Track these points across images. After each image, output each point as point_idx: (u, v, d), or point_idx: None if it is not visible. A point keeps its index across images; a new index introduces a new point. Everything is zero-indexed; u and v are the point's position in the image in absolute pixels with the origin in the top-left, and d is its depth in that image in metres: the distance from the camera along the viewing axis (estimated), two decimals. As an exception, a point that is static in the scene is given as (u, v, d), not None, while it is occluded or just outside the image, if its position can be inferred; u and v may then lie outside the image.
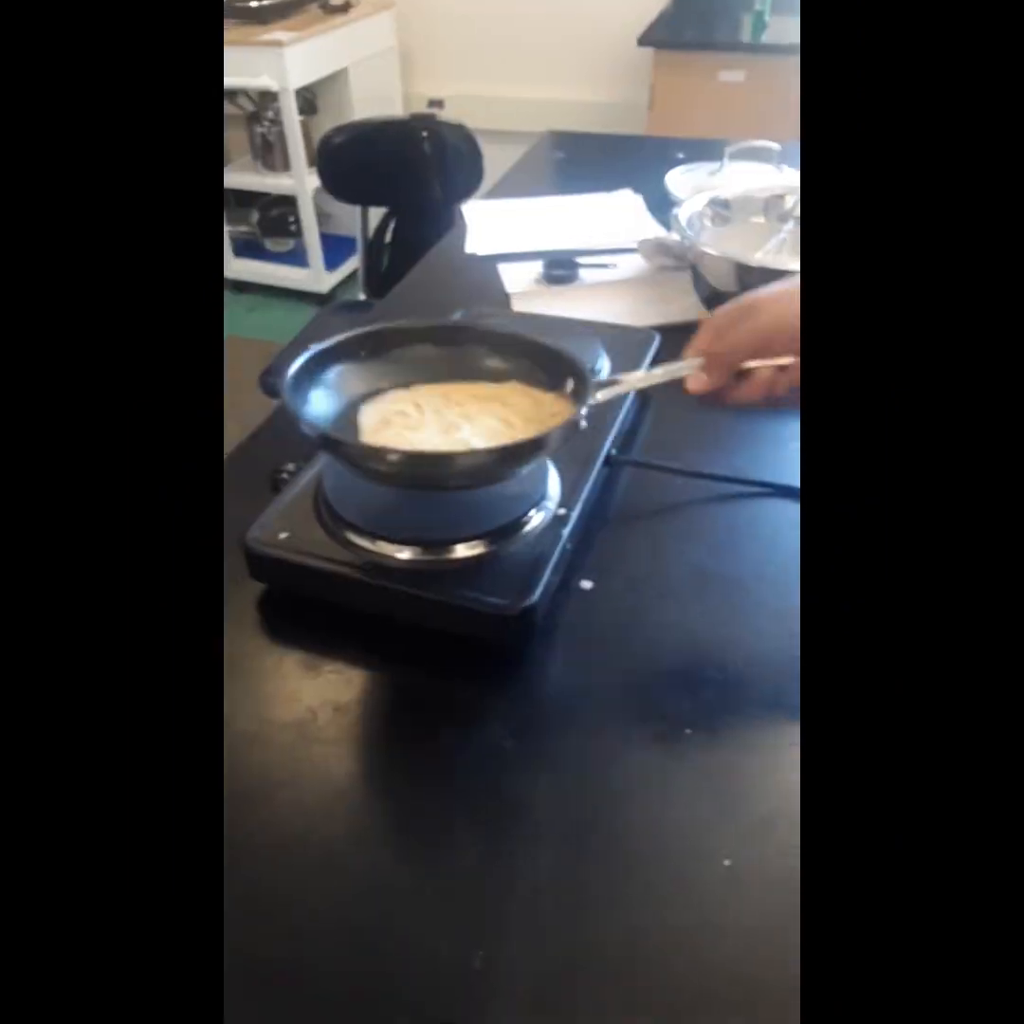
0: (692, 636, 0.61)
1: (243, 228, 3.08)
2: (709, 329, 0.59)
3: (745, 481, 0.73)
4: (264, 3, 2.62)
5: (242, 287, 3.05)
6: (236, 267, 3.02)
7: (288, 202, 2.90)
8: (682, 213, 1.00)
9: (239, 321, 2.93)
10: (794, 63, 2.10)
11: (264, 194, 2.96)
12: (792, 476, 0.73)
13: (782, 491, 0.72)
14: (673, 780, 0.51)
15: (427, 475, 0.59)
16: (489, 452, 0.57)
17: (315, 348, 0.63)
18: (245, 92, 2.81)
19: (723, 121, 2.19)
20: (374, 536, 0.60)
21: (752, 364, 0.58)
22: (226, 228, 2.93)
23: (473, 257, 1.15)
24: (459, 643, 0.58)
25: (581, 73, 2.87)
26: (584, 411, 0.57)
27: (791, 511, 0.71)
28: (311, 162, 2.76)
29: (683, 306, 0.99)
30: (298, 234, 2.94)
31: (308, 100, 2.80)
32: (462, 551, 0.60)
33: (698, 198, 1.03)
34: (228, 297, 3.04)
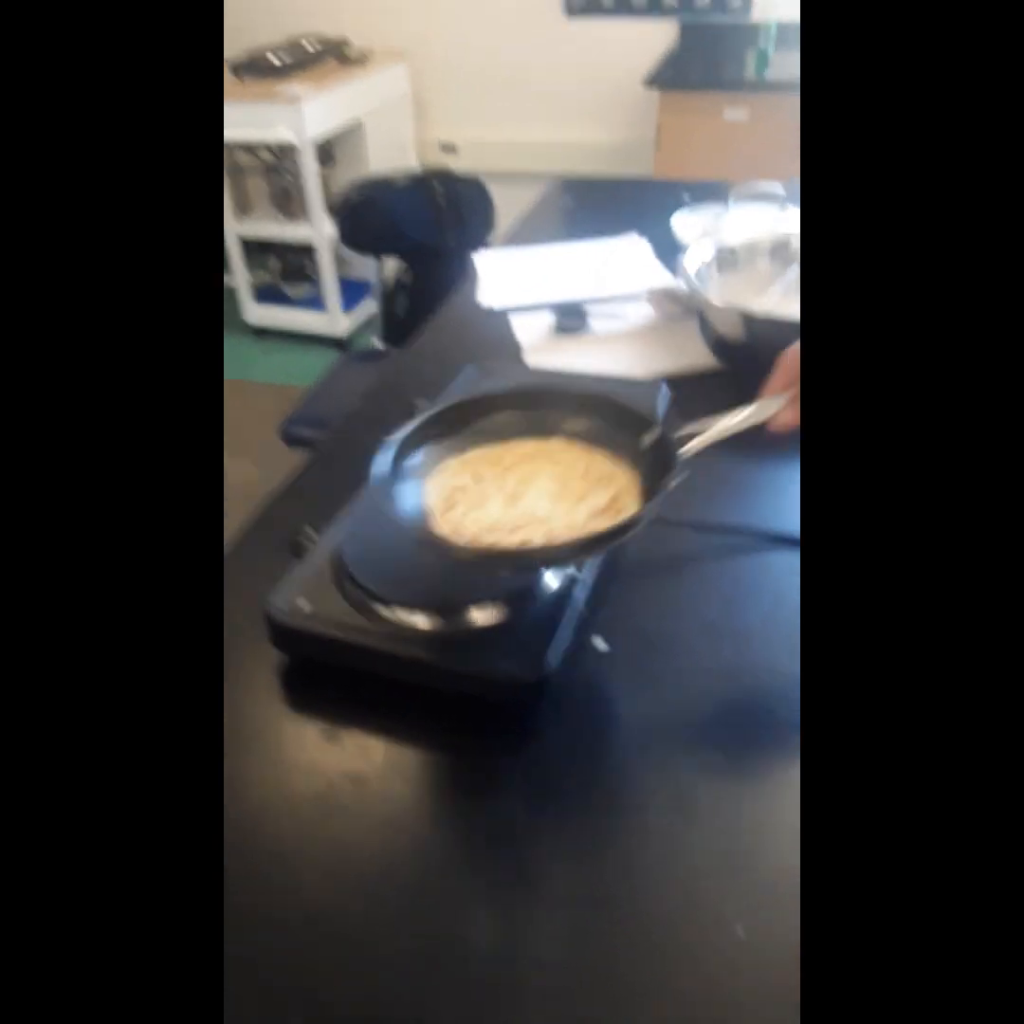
0: (705, 696, 0.61)
1: (263, 275, 3.14)
2: (785, 369, 0.59)
3: (752, 532, 0.74)
4: (281, 58, 2.70)
5: (262, 333, 3.11)
6: (256, 314, 3.08)
7: (306, 249, 2.97)
8: (688, 262, 1.02)
9: (259, 366, 2.99)
10: (795, 102, 2.13)
11: (283, 242, 3.03)
12: (791, 523, 0.74)
13: (789, 541, 0.73)
14: (686, 847, 0.51)
15: (528, 565, 0.60)
16: (589, 539, 0.54)
17: (392, 445, 0.63)
18: (265, 145, 2.89)
19: (729, 158, 2.22)
20: (392, 603, 0.62)
21: None
22: (246, 276, 2.99)
23: (486, 309, 1.17)
24: (477, 708, 0.59)
25: (589, 115, 2.92)
26: (678, 475, 0.55)
27: (793, 560, 0.72)
28: (328, 210, 2.83)
29: (692, 354, 1.01)
30: (316, 280, 3.00)
31: (325, 150, 2.87)
32: (479, 617, 0.61)
33: (704, 246, 1.05)
34: (248, 343, 3.10)
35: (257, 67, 2.70)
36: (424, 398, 0.87)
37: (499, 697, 0.58)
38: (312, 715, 0.61)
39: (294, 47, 2.78)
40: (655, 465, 0.60)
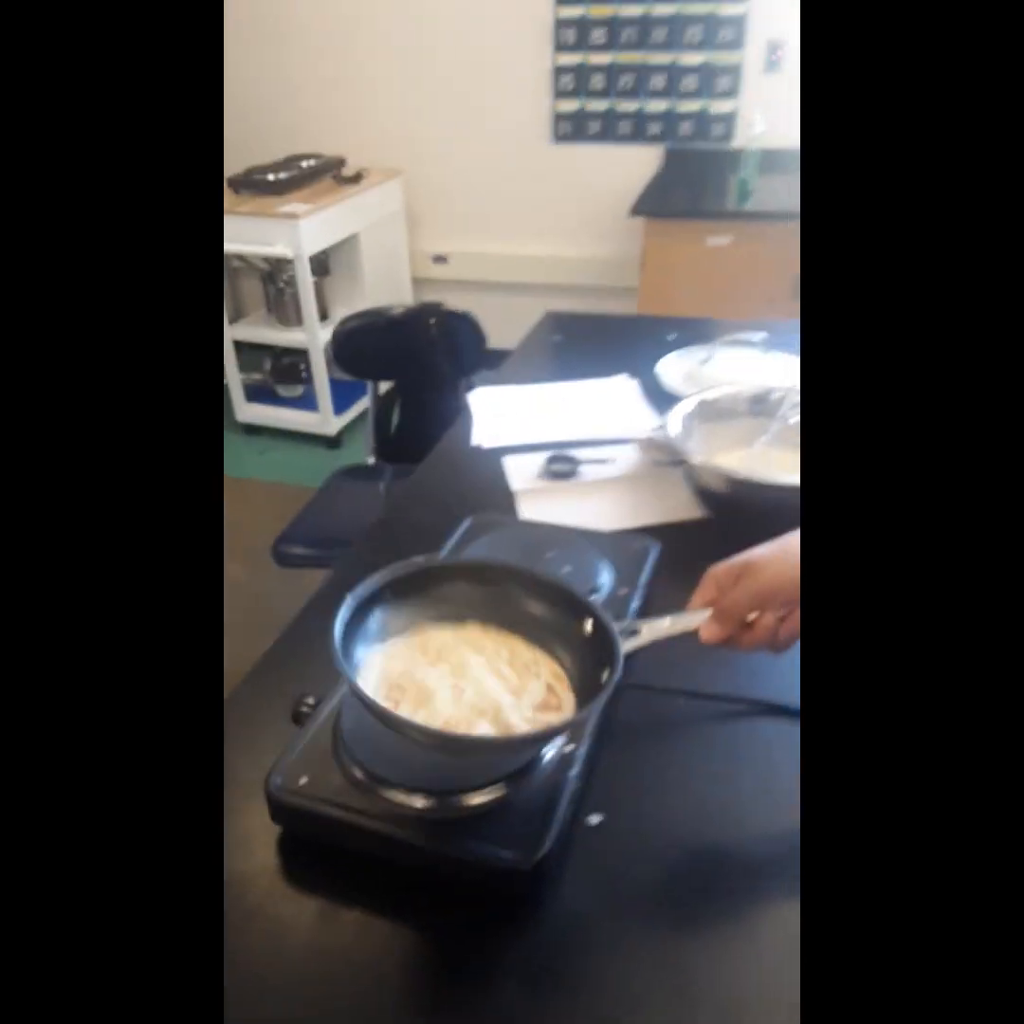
0: (698, 869, 0.63)
1: (256, 375, 3.22)
2: (711, 583, 0.66)
3: (741, 700, 0.76)
4: (279, 176, 2.82)
5: (254, 430, 3.17)
6: (248, 412, 3.14)
7: (299, 352, 3.05)
8: (673, 416, 1.07)
9: (251, 463, 3.03)
10: (777, 227, 2.26)
11: (277, 345, 3.11)
12: (783, 691, 0.76)
13: (777, 709, 0.75)
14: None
15: (474, 752, 0.63)
16: (540, 733, 0.59)
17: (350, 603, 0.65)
18: (261, 257, 3.00)
19: (712, 280, 2.33)
20: (387, 784, 0.63)
21: (753, 616, 0.64)
22: (239, 376, 3.06)
23: (479, 449, 1.22)
24: (475, 889, 0.60)
25: (576, 232, 3.06)
26: (617, 674, 0.59)
27: (785, 729, 0.74)
28: (322, 317, 2.92)
29: (678, 503, 1.05)
30: (308, 381, 3.07)
31: (321, 262, 2.97)
32: (476, 798, 0.62)
33: (688, 400, 1.10)
34: (240, 441, 3.15)
35: (256, 184, 2.82)
36: (422, 557, 0.90)
37: (497, 885, 0.60)
38: (312, 893, 0.62)
39: (292, 165, 2.92)
40: (589, 653, 0.64)
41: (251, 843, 0.65)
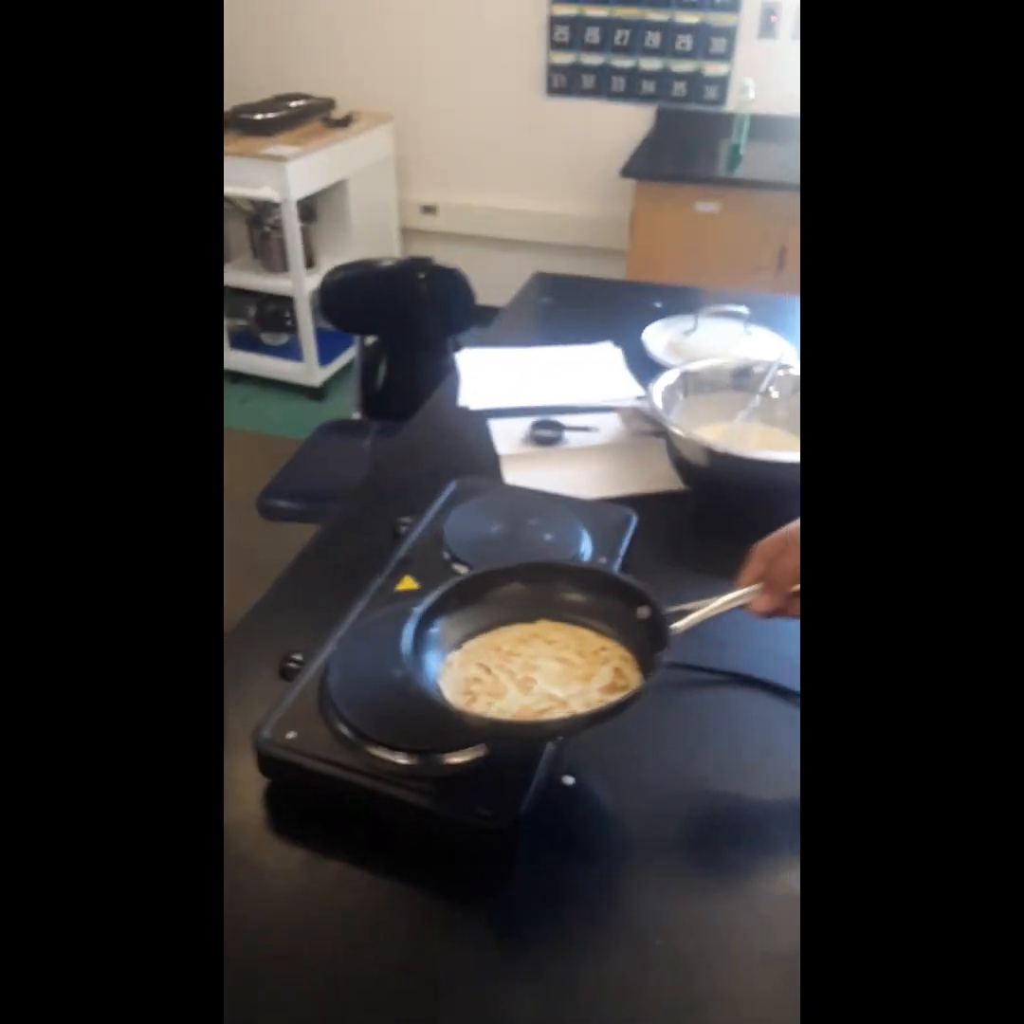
0: (665, 836, 0.67)
1: (241, 322, 3.18)
2: (760, 558, 0.68)
3: (711, 670, 0.80)
4: (268, 116, 2.76)
5: (237, 378, 3.14)
6: (232, 359, 3.11)
7: (285, 299, 3.01)
8: (656, 388, 1.09)
9: (233, 412, 3.01)
10: (765, 196, 2.25)
11: (262, 291, 3.08)
12: (753, 663, 0.80)
13: (747, 680, 0.79)
14: (645, 988, 0.57)
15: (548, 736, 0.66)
16: (606, 708, 0.61)
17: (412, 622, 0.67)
18: (248, 199, 2.94)
19: (701, 248, 2.34)
20: (374, 741, 0.66)
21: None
22: (224, 322, 3.03)
23: (466, 410, 1.23)
24: (453, 844, 0.64)
25: (567, 189, 3.03)
26: (667, 651, 0.62)
27: (755, 698, 0.78)
28: (308, 264, 2.89)
29: (659, 475, 1.08)
30: (294, 329, 3.05)
31: (308, 207, 2.93)
32: (457, 757, 0.66)
33: (671, 373, 1.12)
34: (223, 387, 3.14)
35: (242, 124, 2.76)
36: (408, 517, 0.92)
37: (474, 842, 0.63)
38: (297, 844, 0.66)
39: (281, 106, 2.86)
40: (646, 637, 0.67)
41: (239, 791, 0.68)
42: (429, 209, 3.19)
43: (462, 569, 0.84)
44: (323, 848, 0.65)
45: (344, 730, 0.67)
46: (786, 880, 0.63)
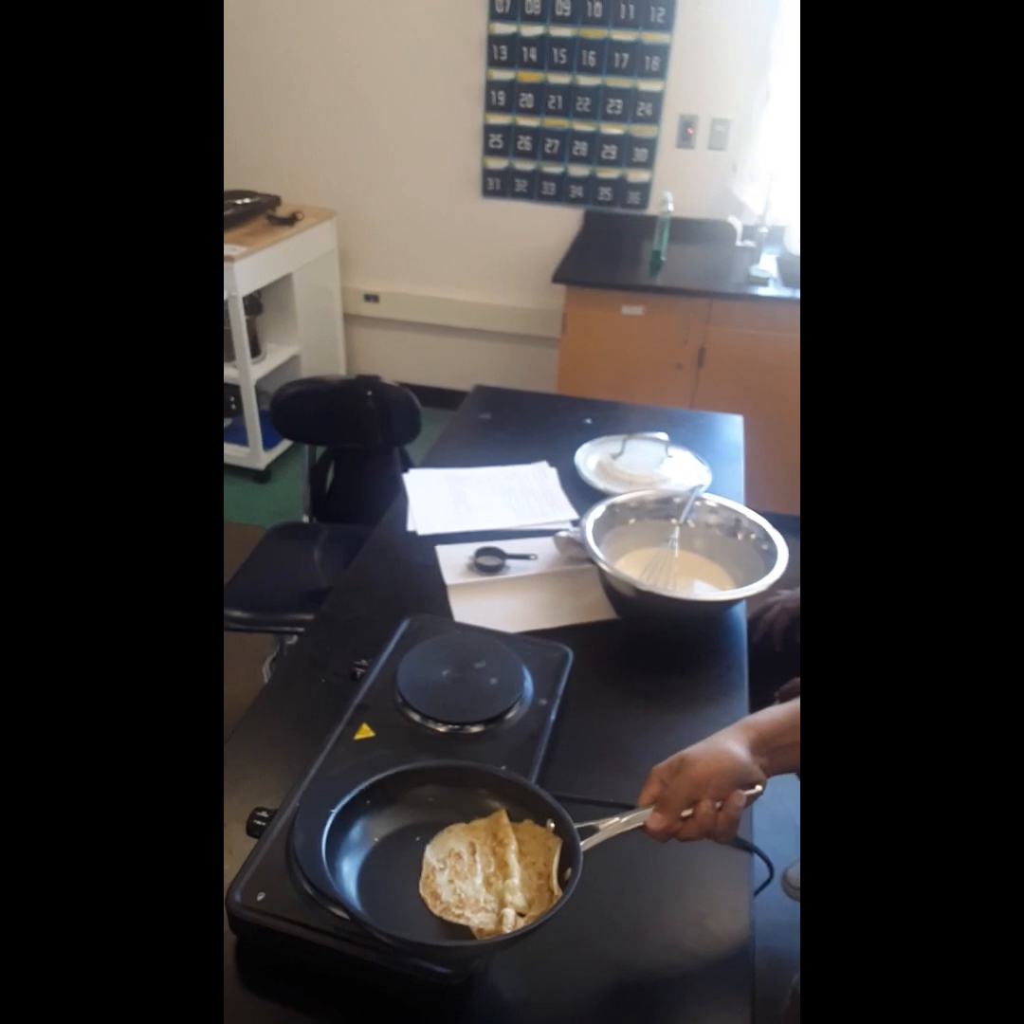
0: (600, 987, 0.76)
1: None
2: (655, 780, 0.75)
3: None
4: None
5: (182, 461, 3.18)
6: (177, 443, 3.15)
7: (231, 386, 3.09)
8: (587, 521, 1.21)
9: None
10: (685, 301, 2.44)
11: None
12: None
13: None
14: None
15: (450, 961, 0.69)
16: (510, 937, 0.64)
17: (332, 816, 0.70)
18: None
19: (627, 346, 2.50)
20: (332, 903, 0.71)
21: (686, 813, 0.72)
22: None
23: (415, 535, 1.34)
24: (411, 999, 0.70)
25: (503, 283, 3.20)
26: (570, 892, 0.66)
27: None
28: (254, 353, 2.98)
29: (593, 601, 1.19)
30: (239, 413, 3.12)
31: (254, 300, 3.02)
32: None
33: (599, 507, 1.24)
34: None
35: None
36: (364, 660, 1.01)
37: (427, 997, 0.69)
38: (270, 1000, 0.71)
39: (228, 204, 2.96)
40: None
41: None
42: (372, 297, 3.32)
43: (414, 716, 0.92)
44: (293, 1002, 0.71)
45: (308, 889, 0.72)
46: None
